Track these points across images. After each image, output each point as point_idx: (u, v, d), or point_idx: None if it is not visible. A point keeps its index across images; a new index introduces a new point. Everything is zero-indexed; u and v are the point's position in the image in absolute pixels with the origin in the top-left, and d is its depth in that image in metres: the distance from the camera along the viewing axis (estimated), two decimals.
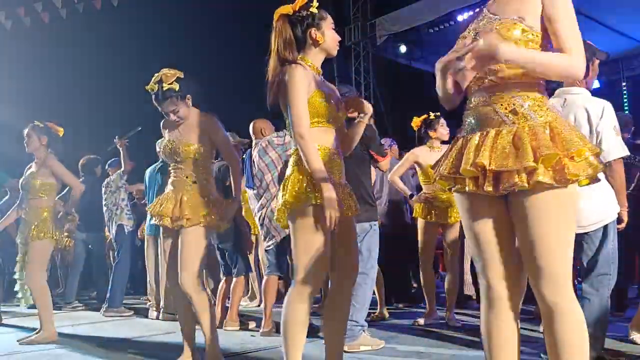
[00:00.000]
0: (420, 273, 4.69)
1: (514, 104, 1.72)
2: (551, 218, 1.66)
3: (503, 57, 1.65)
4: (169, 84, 3.01)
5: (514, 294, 1.81)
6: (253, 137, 4.58)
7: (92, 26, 10.12)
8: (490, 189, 1.70)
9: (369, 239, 3.69)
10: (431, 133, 4.60)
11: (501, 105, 1.73)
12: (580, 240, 2.83)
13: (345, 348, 3.37)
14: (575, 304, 1.71)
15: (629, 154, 3.05)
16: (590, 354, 2.70)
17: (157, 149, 3.30)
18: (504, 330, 1.80)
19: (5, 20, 7.88)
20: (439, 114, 4.60)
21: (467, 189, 1.76)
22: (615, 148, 2.80)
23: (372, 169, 4.00)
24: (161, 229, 3.21)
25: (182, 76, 3.06)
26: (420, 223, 4.66)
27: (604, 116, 2.78)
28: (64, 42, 9.98)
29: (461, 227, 4.57)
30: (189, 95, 3.10)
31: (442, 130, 4.60)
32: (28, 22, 7.97)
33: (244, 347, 3.80)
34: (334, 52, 2.47)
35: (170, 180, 3.20)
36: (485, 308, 1.83)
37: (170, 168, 3.22)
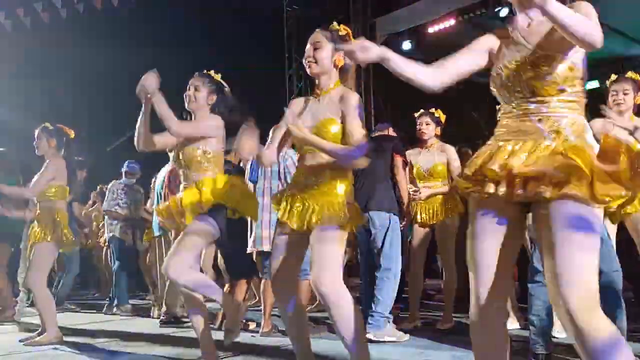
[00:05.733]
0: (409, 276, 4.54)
1: (558, 125, 1.75)
2: (574, 230, 1.63)
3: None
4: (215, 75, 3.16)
5: (500, 299, 1.83)
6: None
7: (93, 26, 10.13)
8: (511, 192, 1.72)
9: (391, 233, 3.94)
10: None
11: (544, 123, 1.77)
12: None
13: (371, 337, 3.45)
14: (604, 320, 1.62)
15: None
16: None
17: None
18: (492, 335, 1.84)
19: (5, 20, 7.87)
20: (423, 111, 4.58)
21: (486, 190, 1.77)
22: None
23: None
24: (173, 231, 3.21)
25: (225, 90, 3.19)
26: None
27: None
28: (64, 42, 9.97)
29: (458, 226, 4.39)
30: (213, 97, 3.12)
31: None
32: (28, 22, 7.96)
33: (244, 347, 3.79)
34: (308, 71, 2.56)
35: (181, 186, 3.16)
36: (473, 312, 1.85)
37: (180, 170, 3.18)
